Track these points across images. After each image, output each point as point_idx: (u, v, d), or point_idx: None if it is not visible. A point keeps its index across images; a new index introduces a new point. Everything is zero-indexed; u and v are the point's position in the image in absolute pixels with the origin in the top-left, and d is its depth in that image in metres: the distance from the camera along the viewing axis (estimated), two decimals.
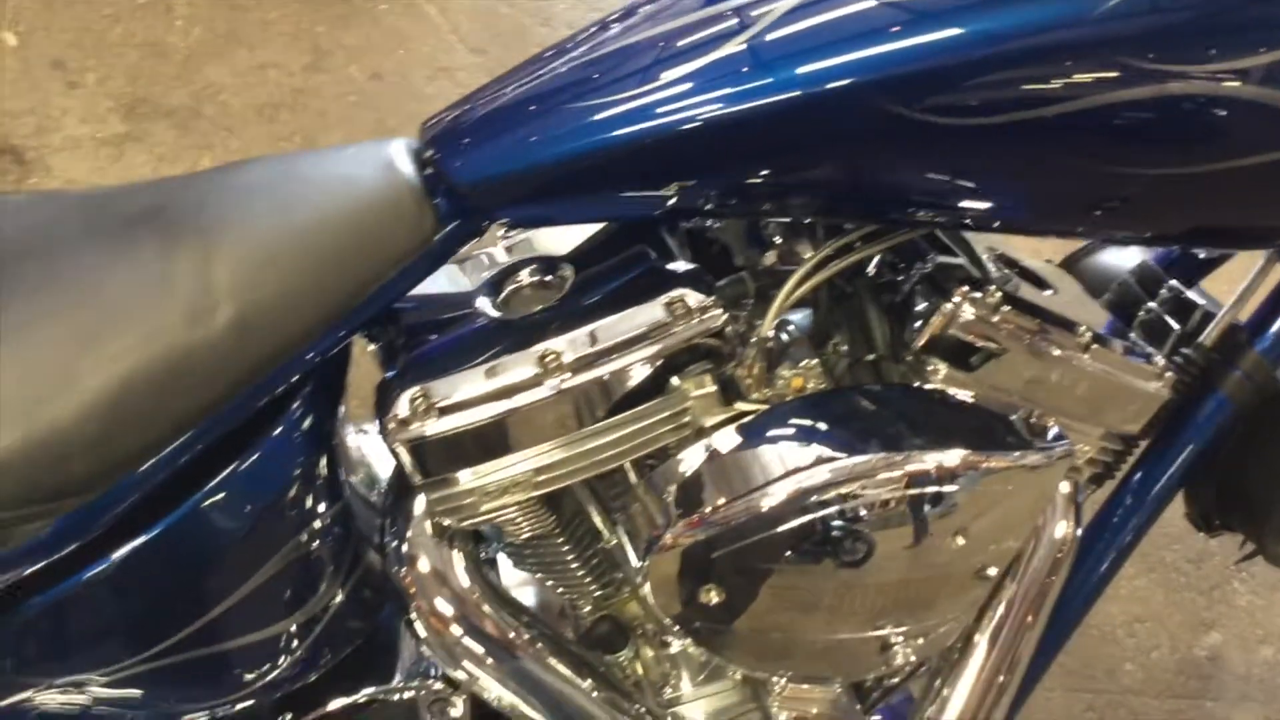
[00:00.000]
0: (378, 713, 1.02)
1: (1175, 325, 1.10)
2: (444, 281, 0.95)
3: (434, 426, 0.85)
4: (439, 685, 1.03)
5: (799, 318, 0.96)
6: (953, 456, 0.85)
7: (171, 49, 2.19)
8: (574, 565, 0.98)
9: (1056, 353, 0.94)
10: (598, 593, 1.00)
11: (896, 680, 1.17)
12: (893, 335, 0.93)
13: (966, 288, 0.90)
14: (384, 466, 1.00)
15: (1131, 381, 0.99)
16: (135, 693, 0.89)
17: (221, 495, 0.86)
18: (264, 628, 0.92)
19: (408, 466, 0.87)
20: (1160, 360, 1.01)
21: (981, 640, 1.05)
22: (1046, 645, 1.14)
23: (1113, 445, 1.06)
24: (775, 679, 1.03)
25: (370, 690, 1.01)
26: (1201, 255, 1.18)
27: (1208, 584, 1.78)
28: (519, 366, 0.85)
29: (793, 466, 0.84)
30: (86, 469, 0.78)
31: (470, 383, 0.85)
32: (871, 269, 0.95)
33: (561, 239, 0.97)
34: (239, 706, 0.94)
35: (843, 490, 0.83)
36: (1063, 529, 1.04)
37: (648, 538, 0.86)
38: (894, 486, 0.83)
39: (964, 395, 0.91)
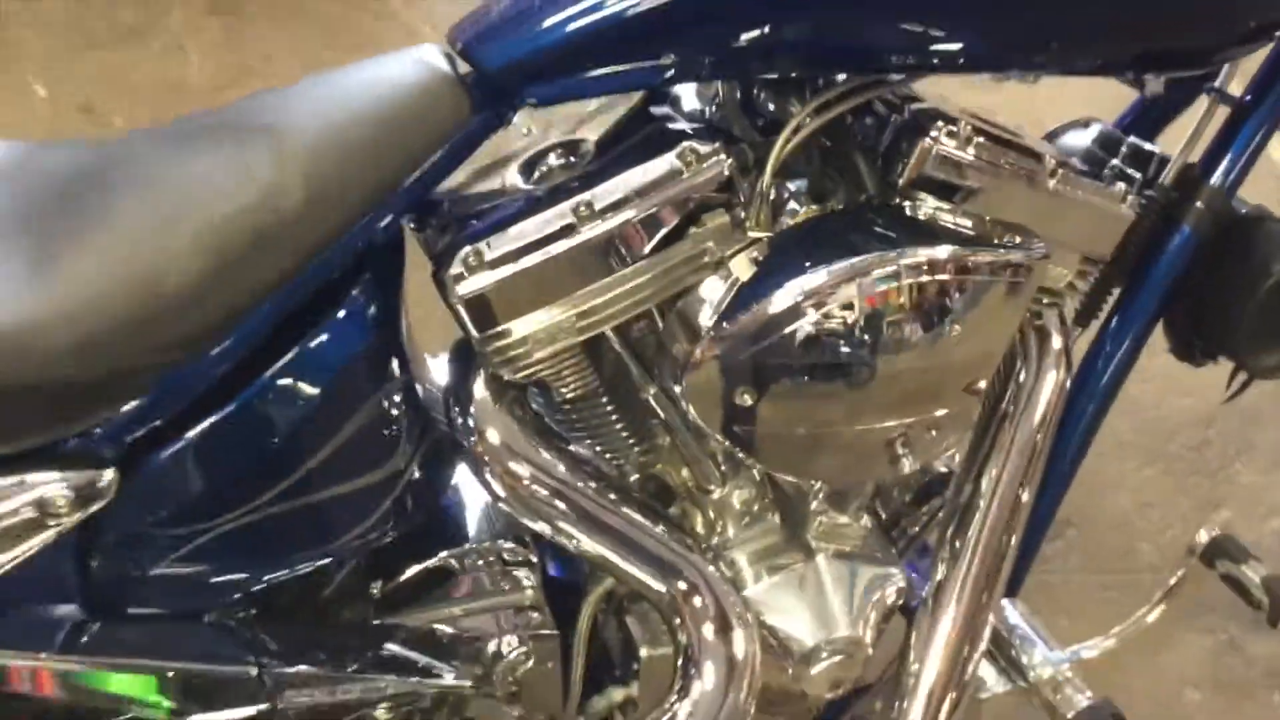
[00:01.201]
0: (451, 581, 1.13)
1: (1136, 174, 1.22)
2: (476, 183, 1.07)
3: (486, 279, 0.97)
4: (509, 545, 1.14)
5: (795, 183, 1.09)
6: (942, 251, 0.97)
7: (191, 86, 2.34)
8: (617, 424, 1.09)
9: (1028, 178, 1.06)
10: (641, 453, 1.11)
11: (917, 530, 1.29)
12: (880, 178, 1.05)
13: (941, 123, 1.02)
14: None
15: (1099, 203, 1.11)
16: (230, 554, 1.00)
17: (293, 369, 0.98)
18: (341, 488, 1.03)
19: (466, 322, 0.99)
20: (1121, 186, 1.13)
21: (986, 485, 1.16)
22: (1048, 493, 1.25)
23: (1090, 271, 1.17)
24: (814, 516, 1.15)
25: (444, 554, 1.13)
26: (1154, 115, 1.31)
27: (1211, 468, 1.88)
28: (556, 218, 0.97)
29: (799, 273, 0.96)
30: (184, 330, 0.89)
31: (515, 236, 0.97)
32: (853, 123, 1.07)
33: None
34: (323, 562, 1.05)
35: (845, 287, 0.95)
36: (1055, 363, 1.16)
37: (682, 357, 0.98)
38: (890, 280, 0.95)
39: (948, 217, 1.03)
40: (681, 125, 1.03)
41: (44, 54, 2.37)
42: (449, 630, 1.10)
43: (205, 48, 2.41)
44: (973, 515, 1.17)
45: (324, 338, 0.99)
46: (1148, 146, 1.24)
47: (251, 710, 0.98)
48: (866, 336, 0.96)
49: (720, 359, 0.97)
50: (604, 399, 1.08)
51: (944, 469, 1.26)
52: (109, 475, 0.89)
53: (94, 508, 0.88)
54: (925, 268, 0.97)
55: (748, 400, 0.98)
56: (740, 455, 1.09)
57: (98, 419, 0.90)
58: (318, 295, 0.98)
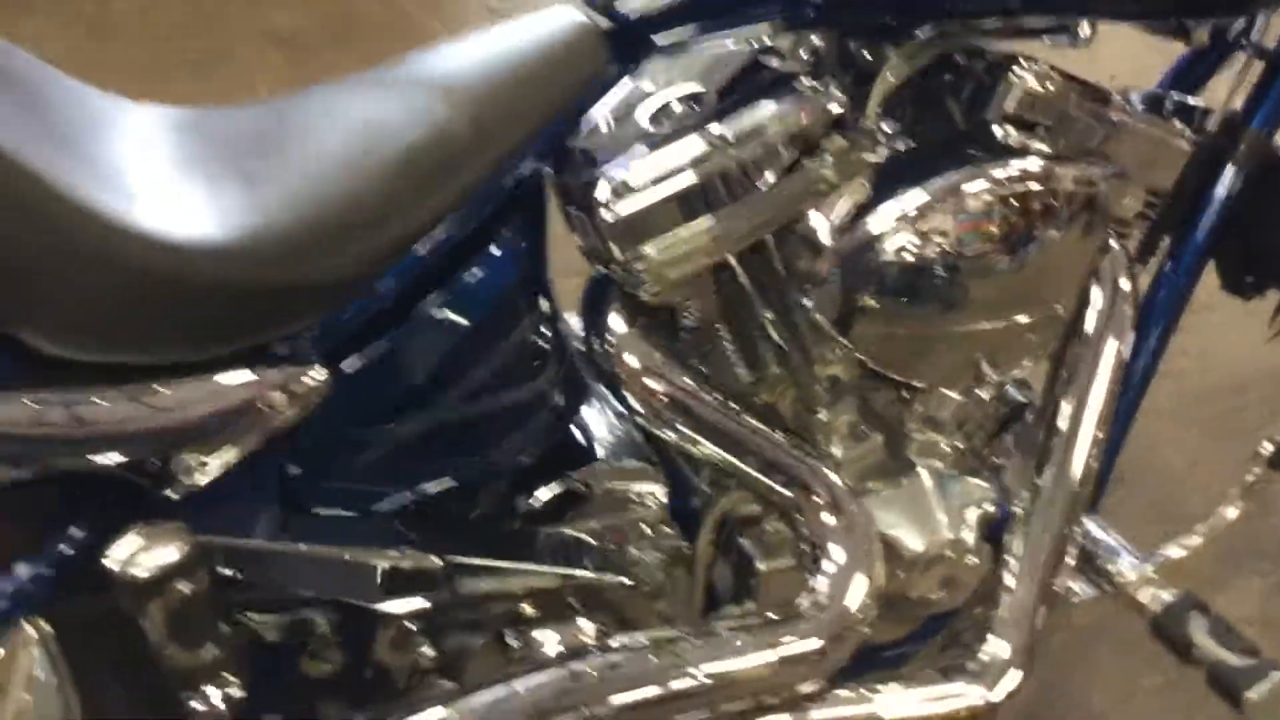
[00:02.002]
0: (586, 499, 1.24)
1: (1182, 125, 1.35)
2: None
3: (632, 203, 1.08)
4: (636, 465, 1.25)
5: (890, 123, 1.21)
6: (1033, 164, 1.09)
7: None
8: (731, 351, 1.20)
9: (1097, 112, 1.19)
10: (752, 379, 1.22)
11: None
12: (967, 115, 1.17)
13: (1022, 62, 1.15)
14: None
15: (1160, 135, 1.24)
16: (407, 457, 1.11)
17: (459, 292, 1.09)
18: (499, 401, 1.14)
19: (611, 245, 1.10)
20: (1177, 122, 1.26)
21: (1067, 410, 1.28)
22: (1117, 421, 1.36)
23: (1154, 204, 1.29)
24: (912, 435, 1.26)
25: (579, 472, 1.23)
26: (1192, 76, 1.44)
27: (1249, 428, 1.99)
28: (693, 148, 1.09)
29: (907, 191, 1.08)
30: (377, 243, 1.01)
31: (656, 165, 1.09)
32: (939, 69, 1.19)
33: None
34: (482, 470, 1.16)
35: (948, 201, 1.07)
36: (1125, 295, 1.28)
37: (809, 272, 1.10)
38: (988, 192, 1.08)
39: (1033, 144, 1.15)
40: (793, 69, 1.15)
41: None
42: (591, 539, 1.20)
43: (271, 81, 2.54)
44: (1056, 438, 1.28)
45: (483, 269, 1.11)
46: (1191, 100, 1.37)
47: (438, 597, 1.09)
48: (969, 244, 1.08)
49: (843, 271, 1.09)
50: (723, 325, 1.20)
51: (1019, 398, 1.37)
52: (322, 374, 1.00)
53: (309, 405, 0.99)
54: (1019, 180, 1.09)
55: (869, 304, 1.09)
56: (844, 373, 1.21)
57: (304, 324, 1.01)
58: (476, 233, 1.10)
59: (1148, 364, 1.39)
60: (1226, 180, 1.34)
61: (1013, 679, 1.21)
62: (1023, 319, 1.17)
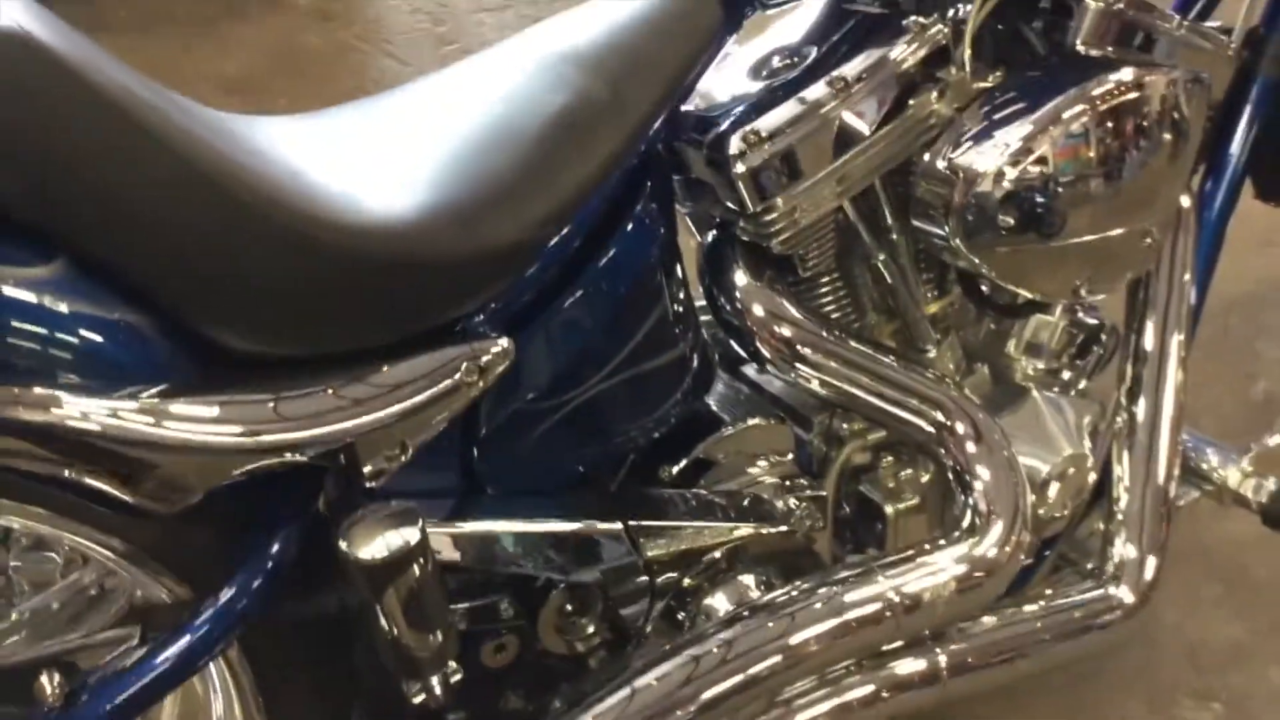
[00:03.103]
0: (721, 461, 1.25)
1: (1224, 36, 1.41)
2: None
3: (765, 152, 1.11)
4: (762, 422, 1.26)
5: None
6: (1127, 74, 1.14)
7: None
8: (846, 295, 1.24)
9: (1157, 26, 1.25)
10: (865, 322, 1.26)
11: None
12: (1050, 42, 1.23)
13: None
14: None
15: (1210, 47, 1.30)
16: (576, 425, 1.12)
17: (608, 267, 1.11)
18: (650, 365, 1.15)
19: (744, 196, 1.12)
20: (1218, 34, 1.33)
21: (1153, 330, 1.34)
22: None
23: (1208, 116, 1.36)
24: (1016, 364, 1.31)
25: (716, 436, 1.24)
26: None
27: (1236, 346, 2.09)
28: (815, 94, 1.12)
29: (1024, 114, 1.12)
30: (543, 206, 1.01)
31: (783, 114, 1.12)
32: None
33: None
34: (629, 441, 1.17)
35: (1063, 119, 1.12)
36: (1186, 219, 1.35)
37: (943, 199, 1.13)
38: (1098, 103, 1.13)
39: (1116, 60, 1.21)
40: (881, 12, 1.19)
41: None
42: (742, 495, 1.21)
43: None
44: (1146, 354, 1.33)
45: (624, 240, 1.12)
46: (1210, 24, 1.45)
47: (622, 562, 1.09)
48: (1100, 148, 1.13)
49: (974, 193, 1.12)
50: (838, 271, 1.23)
51: (1094, 321, 1.42)
52: (507, 345, 0.99)
53: (496, 375, 0.98)
54: (1118, 91, 1.14)
55: (1004, 220, 1.12)
56: (950, 307, 1.25)
57: (484, 299, 1.00)
58: (612, 206, 1.11)
59: (1204, 276, 1.46)
60: (1258, 90, 1.41)
61: (1149, 571, 1.26)
62: (1140, 224, 1.22)
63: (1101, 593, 1.26)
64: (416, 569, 0.92)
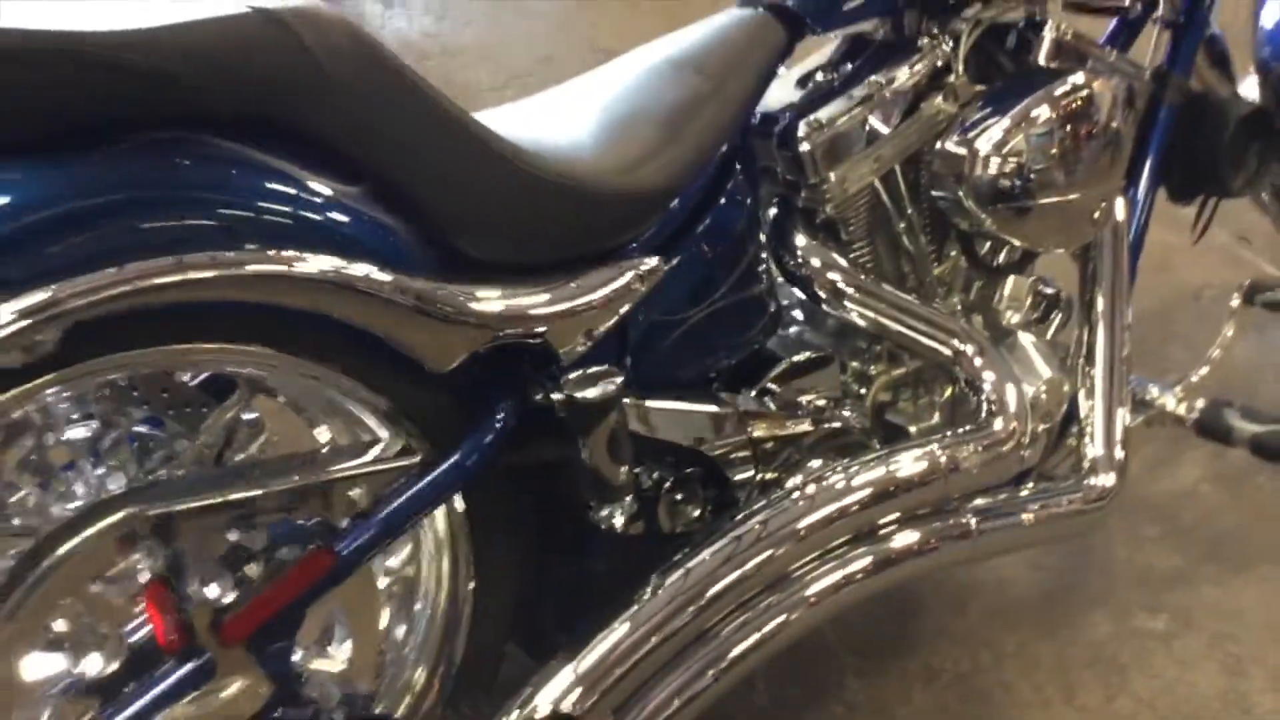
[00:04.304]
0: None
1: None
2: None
3: (824, 135, 1.48)
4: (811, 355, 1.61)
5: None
6: (1080, 76, 1.56)
7: None
8: (871, 255, 1.60)
9: (1097, 52, 1.66)
10: (894, 276, 1.62)
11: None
12: (1017, 62, 1.63)
13: (1053, 21, 1.62)
14: None
15: (1132, 71, 1.72)
16: (697, 339, 1.46)
17: (711, 224, 1.46)
18: (749, 293, 1.50)
19: (806, 169, 1.49)
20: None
21: (1103, 292, 1.72)
22: None
23: None
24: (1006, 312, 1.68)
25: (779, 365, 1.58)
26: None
27: (1154, 350, 2.48)
28: (861, 91, 1.51)
29: (1012, 107, 1.52)
30: (679, 164, 1.37)
31: (836, 108, 1.50)
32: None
33: None
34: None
35: (1041, 106, 1.51)
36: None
37: (957, 173, 1.51)
38: (1069, 95, 1.53)
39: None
40: (894, 39, 1.58)
41: None
42: (810, 404, 1.56)
43: None
44: (1098, 310, 1.72)
45: (721, 210, 1.48)
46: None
47: (736, 439, 1.44)
48: (1064, 130, 1.52)
49: (984, 167, 1.51)
50: (871, 237, 1.60)
51: (1051, 289, 1.80)
52: (658, 261, 1.33)
53: (653, 283, 1.32)
54: (1076, 90, 1.55)
55: (1002, 184, 1.51)
56: (954, 267, 1.63)
57: (644, 227, 1.36)
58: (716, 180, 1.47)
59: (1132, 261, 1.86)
60: (1161, 118, 1.84)
61: (1117, 468, 1.62)
62: (1096, 189, 1.61)
63: (1084, 483, 1.62)
64: (615, 410, 1.25)
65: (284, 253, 1.07)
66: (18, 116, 0.99)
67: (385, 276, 1.12)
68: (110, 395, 1.23)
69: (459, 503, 1.31)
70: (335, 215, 1.13)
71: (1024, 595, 1.96)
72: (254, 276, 1.06)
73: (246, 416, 1.31)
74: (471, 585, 1.35)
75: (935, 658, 1.85)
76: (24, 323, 0.97)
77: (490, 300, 1.20)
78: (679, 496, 1.43)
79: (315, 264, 1.09)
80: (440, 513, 1.31)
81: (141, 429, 1.25)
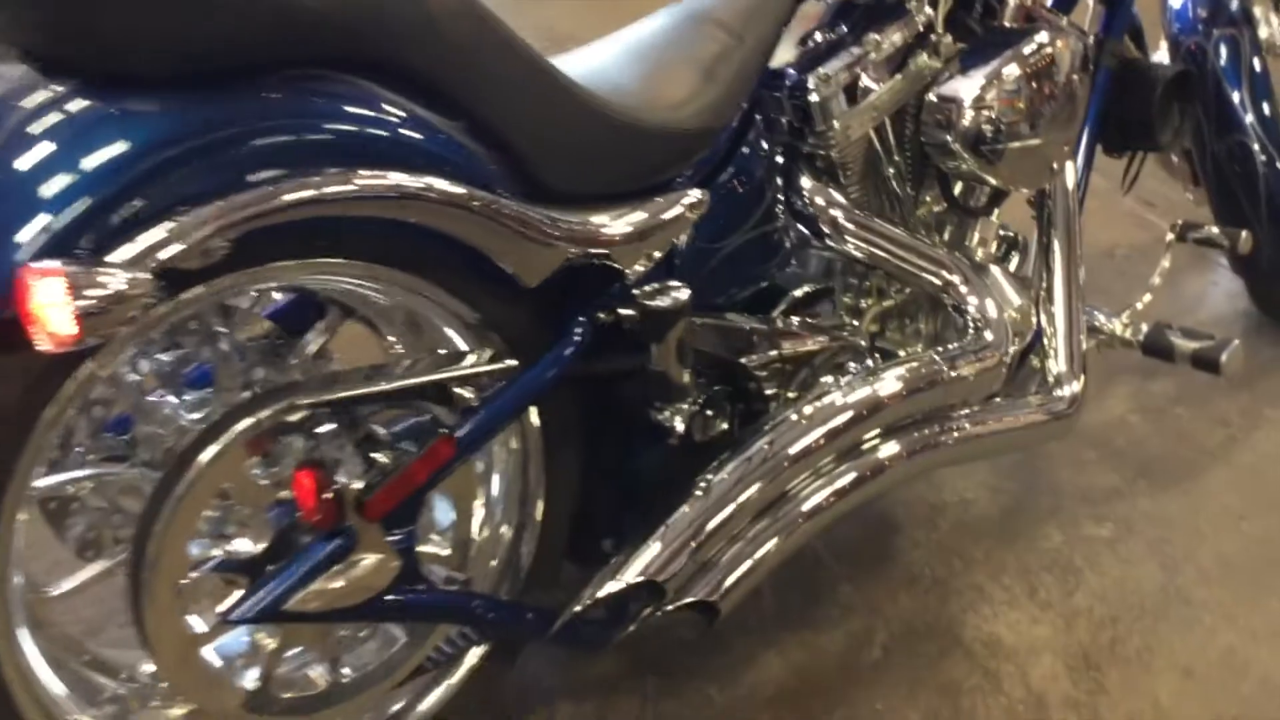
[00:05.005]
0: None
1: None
2: None
3: (831, 87, 1.67)
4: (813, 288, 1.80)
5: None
6: (1044, 34, 1.77)
7: None
8: (865, 195, 1.80)
9: (1050, 15, 1.89)
10: (888, 214, 1.82)
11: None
12: (986, 24, 1.84)
13: None
14: None
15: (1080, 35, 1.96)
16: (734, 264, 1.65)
17: (740, 162, 1.66)
18: (765, 230, 1.69)
19: (816, 117, 1.68)
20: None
21: (1058, 236, 1.95)
22: None
23: None
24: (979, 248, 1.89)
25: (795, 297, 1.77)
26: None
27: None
28: (860, 48, 1.70)
29: (990, 61, 1.73)
30: (720, 109, 1.55)
31: (838, 63, 1.69)
32: None
33: None
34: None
35: (1013, 63, 1.73)
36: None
37: (946, 119, 1.71)
38: (1040, 50, 1.75)
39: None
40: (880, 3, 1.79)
41: None
42: (819, 325, 1.75)
43: None
44: (1056, 247, 1.95)
45: (746, 153, 1.68)
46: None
47: (768, 355, 1.62)
48: (1034, 81, 1.74)
49: (969, 114, 1.71)
50: (866, 180, 1.79)
51: (1013, 234, 2.02)
52: (704, 193, 1.51)
53: (700, 212, 1.50)
54: (1043, 46, 1.76)
55: (985, 129, 1.71)
56: (935, 205, 1.84)
57: (685, 165, 1.54)
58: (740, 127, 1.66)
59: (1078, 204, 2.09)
60: (1099, 80, 2.08)
61: (1078, 382, 1.85)
62: (1061, 134, 1.83)
63: (1052, 394, 1.84)
64: (684, 318, 1.42)
65: (418, 175, 1.23)
66: (192, 49, 1.13)
67: (489, 197, 1.28)
68: (198, 329, 1.37)
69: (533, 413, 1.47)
70: (445, 145, 1.29)
71: (985, 513, 2.18)
72: (395, 194, 1.21)
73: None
74: (540, 490, 1.52)
75: (914, 566, 2.05)
76: (205, 230, 1.11)
77: (572, 223, 1.37)
78: (713, 409, 1.60)
79: (441, 185, 1.24)
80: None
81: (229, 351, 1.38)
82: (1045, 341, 1.90)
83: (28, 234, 1.06)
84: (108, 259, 1.05)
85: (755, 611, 1.93)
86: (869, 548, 2.09)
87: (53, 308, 1.01)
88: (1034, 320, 1.88)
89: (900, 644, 1.91)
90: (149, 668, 1.36)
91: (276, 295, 1.44)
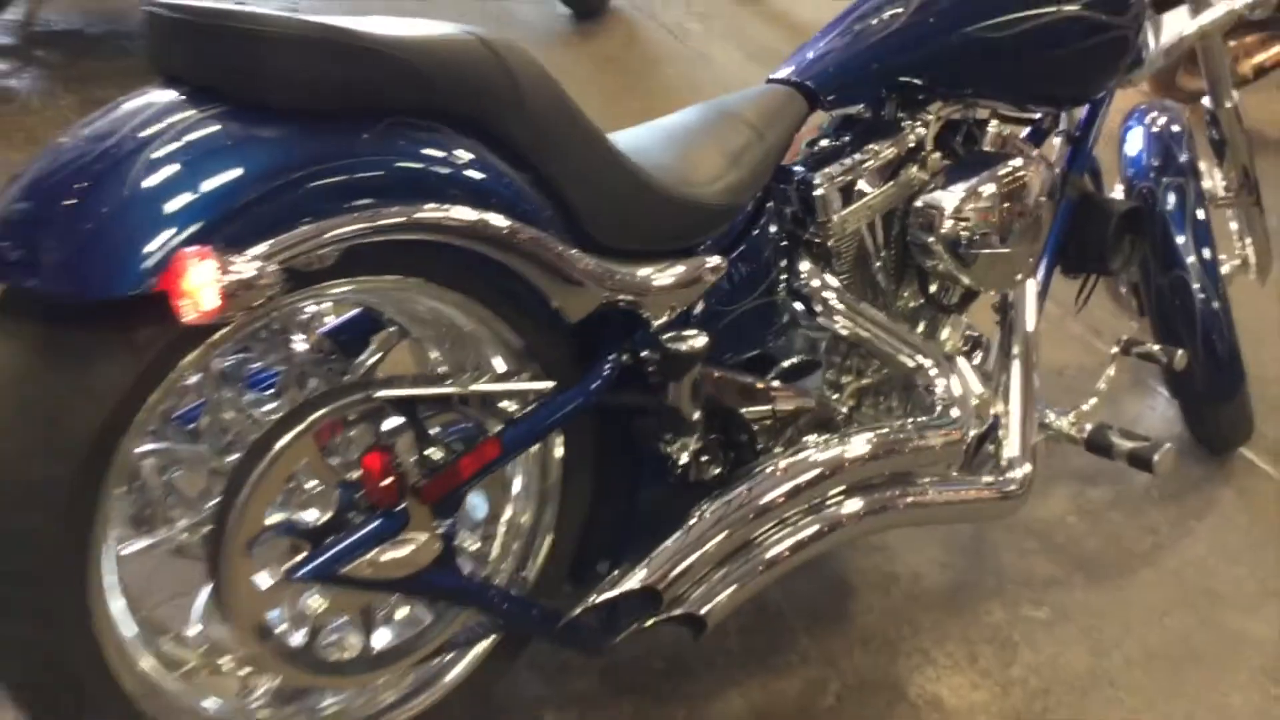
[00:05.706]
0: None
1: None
2: None
3: (833, 187, 1.92)
4: (802, 359, 2.03)
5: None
6: (1018, 160, 2.04)
7: None
8: (853, 285, 2.04)
9: (1022, 147, 2.16)
10: (874, 301, 2.06)
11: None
12: (967, 147, 2.11)
13: (995, 120, 2.12)
14: None
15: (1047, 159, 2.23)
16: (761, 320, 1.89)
17: (752, 241, 1.89)
18: (761, 306, 1.92)
19: (819, 211, 1.92)
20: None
21: (1018, 337, 2.21)
22: None
23: None
24: (951, 339, 2.14)
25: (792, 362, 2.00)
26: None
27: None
28: (859, 158, 1.96)
29: (970, 178, 1.99)
30: (736, 192, 1.79)
31: (841, 168, 1.95)
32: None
33: None
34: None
35: (988, 182, 1.99)
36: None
37: (931, 226, 1.97)
38: (1010, 176, 2.01)
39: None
40: (878, 120, 2.05)
41: None
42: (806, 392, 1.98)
43: None
44: (1014, 350, 2.20)
45: (758, 233, 1.91)
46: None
47: (762, 409, 1.84)
48: (1006, 199, 2.00)
49: (950, 221, 1.97)
50: (858, 271, 2.04)
51: (976, 334, 2.28)
52: (722, 259, 1.74)
53: (719, 275, 1.73)
54: (1016, 170, 2.03)
55: (963, 235, 1.97)
56: (914, 300, 2.09)
57: (708, 235, 1.77)
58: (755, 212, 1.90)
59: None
60: (1064, 208, 2.35)
61: (1027, 468, 2.08)
62: (1026, 247, 2.09)
63: (1004, 475, 2.07)
64: (699, 362, 1.65)
65: (495, 215, 1.45)
66: (326, 90, 1.36)
67: (554, 241, 1.51)
68: (267, 336, 1.58)
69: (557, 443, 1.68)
70: (517, 194, 1.52)
71: (935, 585, 2.39)
72: (474, 228, 1.43)
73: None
74: (555, 506, 1.72)
75: (868, 627, 2.26)
76: (323, 239, 1.33)
77: (615, 271, 1.60)
78: (709, 454, 1.82)
79: (516, 226, 1.47)
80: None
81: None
82: (1001, 430, 2.14)
83: (181, 224, 1.27)
84: (248, 251, 1.26)
85: (721, 652, 2.13)
86: (828, 607, 2.29)
87: (203, 285, 1.22)
88: (992, 410, 2.12)
89: (852, 694, 2.11)
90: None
91: (329, 318, 1.66)
